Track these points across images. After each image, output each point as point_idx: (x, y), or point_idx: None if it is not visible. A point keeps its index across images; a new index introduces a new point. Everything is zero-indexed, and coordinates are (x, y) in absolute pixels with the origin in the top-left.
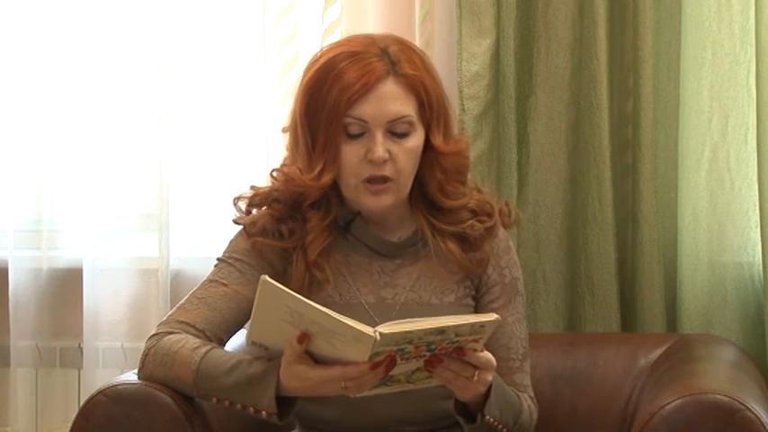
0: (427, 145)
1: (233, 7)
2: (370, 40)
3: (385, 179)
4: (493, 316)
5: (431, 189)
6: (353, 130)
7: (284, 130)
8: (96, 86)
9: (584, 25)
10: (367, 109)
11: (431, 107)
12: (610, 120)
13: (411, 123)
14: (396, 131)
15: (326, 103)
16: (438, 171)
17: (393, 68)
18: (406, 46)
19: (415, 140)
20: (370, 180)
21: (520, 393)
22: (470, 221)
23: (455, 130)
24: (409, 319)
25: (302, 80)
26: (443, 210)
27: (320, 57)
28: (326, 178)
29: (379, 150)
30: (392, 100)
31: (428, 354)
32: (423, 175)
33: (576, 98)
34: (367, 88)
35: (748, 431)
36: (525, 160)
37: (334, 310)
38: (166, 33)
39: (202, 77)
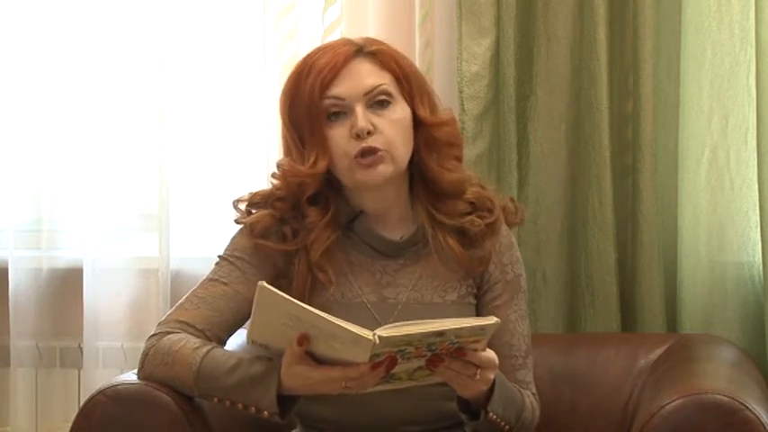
0: (417, 124)
1: (233, 7)
2: (341, 40)
3: (374, 150)
4: (493, 319)
5: (430, 166)
6: (334, 111)
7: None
8: (96, 86)
9: (584, 25)
10: (342, 86)
11: (408, 80)
12: (610, 120)
13: (389, 93)
14: (376, 103)
15: (304, 94)
16: (433, 147)
17: (361, 49)
18: (376, 40)
19: (399, 111)
20: (361, 154)
21: (522, 390)
22: (470, 217)
23: (440, 107)
24: (409, 322)
25: (283, 89)
26: (443, 194)
27: (296, 65)
28: (321, 165)
29: (361, 121)
30: (365, 74)
31: (429, 353)
32: (420, 155)
33: (576, 98)
34: (337, 68)
35: (748, 431)
36: (525, 160)
37: (336, 310)
38: (166, 33)
39: (202, 77)
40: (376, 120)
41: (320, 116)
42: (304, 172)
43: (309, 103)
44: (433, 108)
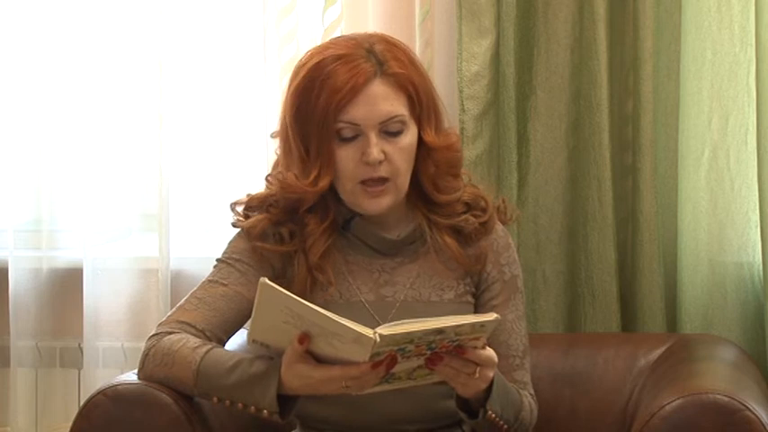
0: (419, 140)
1: (233, 7)
2: (354, 42)
3: (382, 180)
4: (493, 315)
5: (425, 184)
6: (346, 133)
7: (274, 136)
8: (96, 86)
9: (584, 25)
10: (358, 112)
11: (420, 103)
12: (610, 120)
13: (403, 122)
14: (389, 131)
15: (316, 109)
16: (431, 166)
17: (380, 68)
18: (390, 44)
19: (409, 138)
20: (367, 182)
21: (520, 390)
22: (465, 215)
23: (446, 123)
24: (409, 320)
25: (290, 86)
26: (438, 203)
27: (306, 62)
28: (323, 183)
29: (374, 152)
30: (382, 100)
31: (429, 352)
32: (416, 171)
33: (576, 98)
34: (355, 91)
35: (748, 431)
36: (525, 160)
37: (334, 309)
38: (166, 33)
39: (202, 78)
40: (387, 147)
41: (331, 135)
42: (304, 189)
43: (322, 121)
44: (438, 127)
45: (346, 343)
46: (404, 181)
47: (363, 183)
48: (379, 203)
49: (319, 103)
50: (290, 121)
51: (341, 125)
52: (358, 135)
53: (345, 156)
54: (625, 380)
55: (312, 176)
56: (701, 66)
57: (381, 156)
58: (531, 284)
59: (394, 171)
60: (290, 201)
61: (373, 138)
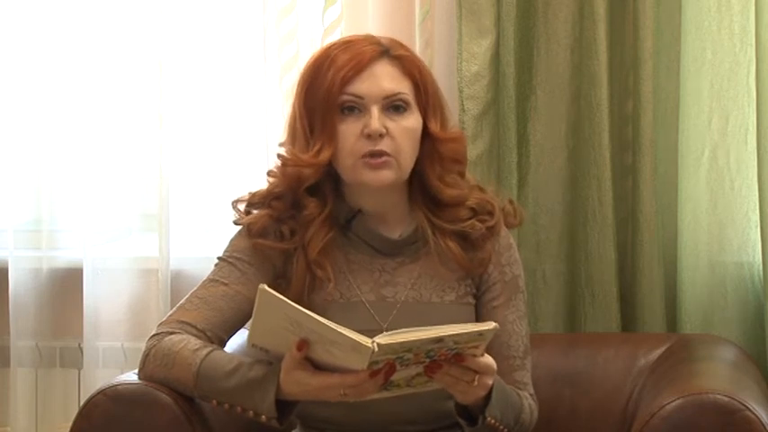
0: (425, 135)
1: (233, 7)
2: (363, 35)
3: (382, 153)
4: (491, 324)
5: (430, 179)
6: (349, 106)
7: (282, 144)
8: (96, 87)
9: (584, 25)
10: (362, 85)
11: (426, 91)
12: (610, 120)
13: (406, 101)
14: (392, 108)
15: (322, 86)
16: (437, 161)
17: (386, 51)
18: (402, 45)
19: (412, 121)
20: (368, 155)
21: (520, 392)
22: (471, 221)
23: (451, 123)
24: (408, 329)
25: (300, 76)
26: (443, 204)
27: (316, 53)
28: (324, 155)
29: (375, 123)
30: (387, 78)
31: (428, 360)
32: (422, 167)
33: (576, 98)
34: (361, 66)
35: (748, 431)
36: (525, 160)
37: (334, 309)
38: (166, 34)
39: (202, 78)
40: (390, 124)
41: (335, 108)
42: (306, 160)
43: (327, 94)
44: (443, 122)
45: (344, 351)
46: (406, 162)
47: (364, 157)
48: (379, 176)
49: (325, 81)
50: (298, 105)
51: (345, 98)
52: (361, 110)
53: (347, 129)
54: (625, 380)
55: (314, 149)
56: (701, 66)
57: (383, 129)
58: (531, 284)
59: (395, 148)
60: (291, 181)
61: (375, 111)
